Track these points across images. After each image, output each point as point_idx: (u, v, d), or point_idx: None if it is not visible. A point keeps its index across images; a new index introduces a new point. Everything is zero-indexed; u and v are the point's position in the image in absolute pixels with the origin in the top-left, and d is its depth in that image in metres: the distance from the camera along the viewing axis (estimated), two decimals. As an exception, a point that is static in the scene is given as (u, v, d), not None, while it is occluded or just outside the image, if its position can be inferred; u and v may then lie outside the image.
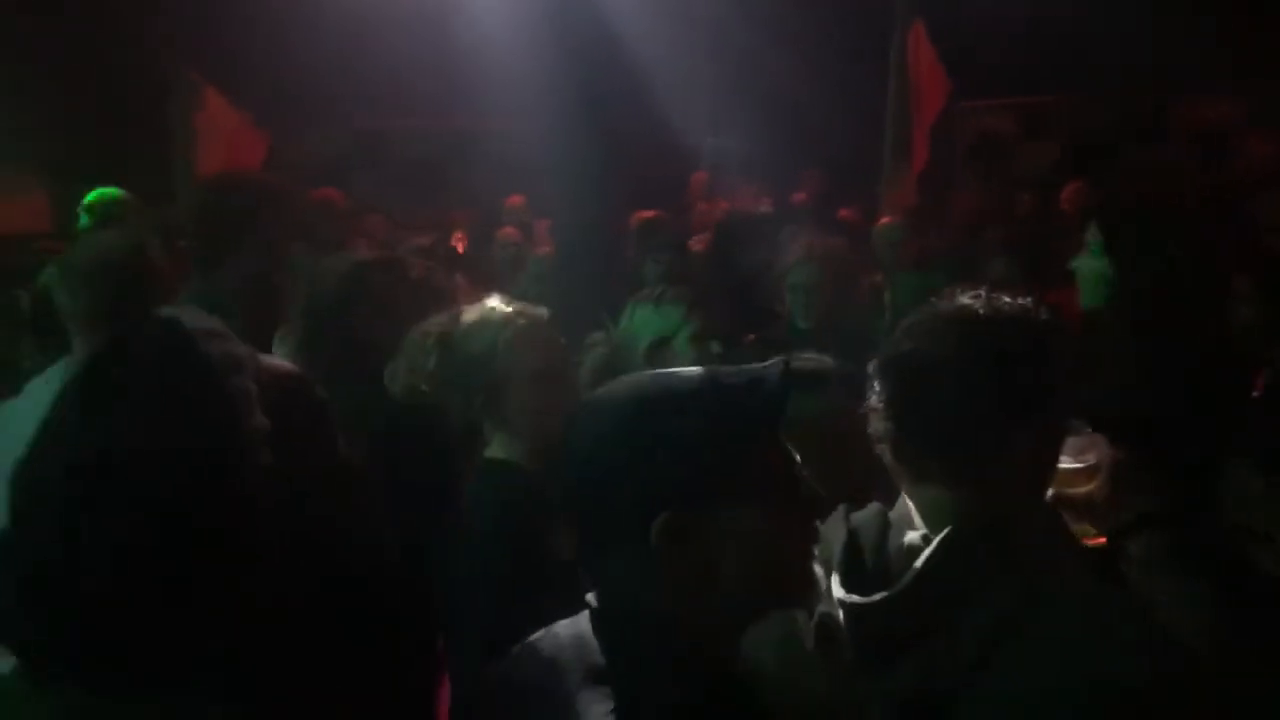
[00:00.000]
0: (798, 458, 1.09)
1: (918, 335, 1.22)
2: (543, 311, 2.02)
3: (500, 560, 1.72)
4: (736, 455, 1.01)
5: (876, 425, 1.23)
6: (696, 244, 4.75)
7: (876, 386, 1.23)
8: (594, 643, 1.03)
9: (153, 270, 2.25)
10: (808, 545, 1.08)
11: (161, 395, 0.89)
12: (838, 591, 1.16)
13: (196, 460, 0.87)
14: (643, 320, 2.51)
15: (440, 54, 6.66)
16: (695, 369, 1.10)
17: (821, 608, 1.17)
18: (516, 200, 6.64)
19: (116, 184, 3.94)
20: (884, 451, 1.23)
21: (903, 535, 1.18)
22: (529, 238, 5.89)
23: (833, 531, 1.21)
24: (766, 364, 1.06)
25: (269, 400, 0.92)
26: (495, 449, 1.92)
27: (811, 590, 1.11)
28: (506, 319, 1.93)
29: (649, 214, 4.94)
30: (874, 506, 1.24)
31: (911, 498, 1.22)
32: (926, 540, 1.14)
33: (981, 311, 1.20)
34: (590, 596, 1.07)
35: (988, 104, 8.63)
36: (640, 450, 1.01)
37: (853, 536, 1.21)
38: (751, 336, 3.28)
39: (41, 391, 2.18)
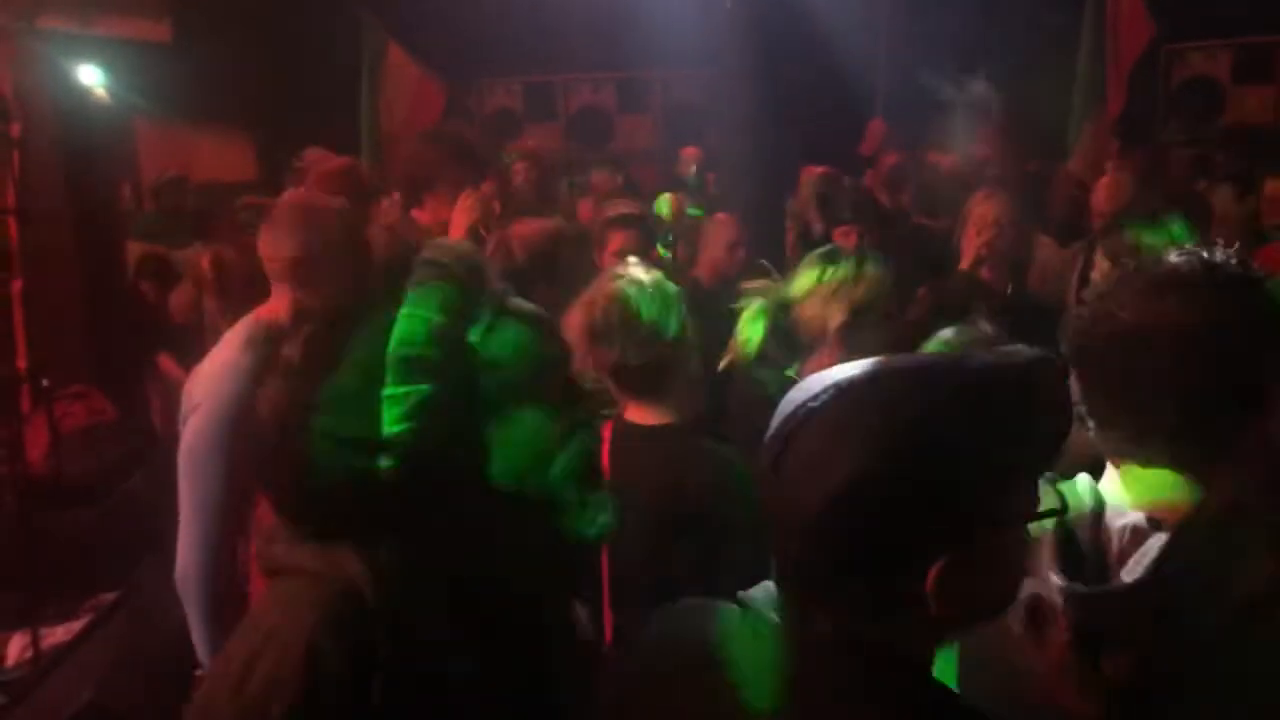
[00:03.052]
0: None
1: (1130, 301, 1.09)
2: None
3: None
4: (1022, 482, 0.91)
5: (1085, 402, 1.13)
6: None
7: (1080, 358, 1.13)
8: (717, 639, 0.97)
9: (349, 230, 2.37)
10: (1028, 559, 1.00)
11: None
12: (1056, 577, 1.07)
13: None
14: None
15: (608, 5, 6.72)
16: (985, 356, 0.94)
17: (1030, 586, 1.06)
18: (691, 151, 6.64)
19: (312, 135, 4.21)
20: (1093, 428, 1.14)
21: (1120, 515, 1.10)
22: (701, 190, 5.86)
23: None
24: (1036, 353, 0.92)
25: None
26: (639, 414, 1.99)
27: (1013, 602, 0.99)
28: (666, 283, 2.01)
29: (819, 170, 4.85)
30: (1084, 480, 1.15)
31: (1128, 477, 1.13)
32: (1154, 524, 1.07)
33: (1202, 273, 1.08)
34: (752, 597, 0.99)
35: (1197, 45, 7.92)
36: (923, 487, 0.85)
37: (1063, 514, 1.08)
38: (923, 290, 3.21)
39: (231, 346, 2.38)
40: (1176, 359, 1.06)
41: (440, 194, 2.77)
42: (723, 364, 2.36)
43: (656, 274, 2.05)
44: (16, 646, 3.54)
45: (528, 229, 2.47)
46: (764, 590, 1.01)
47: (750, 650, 0.95)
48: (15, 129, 4.72)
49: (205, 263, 3.45)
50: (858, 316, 2.28)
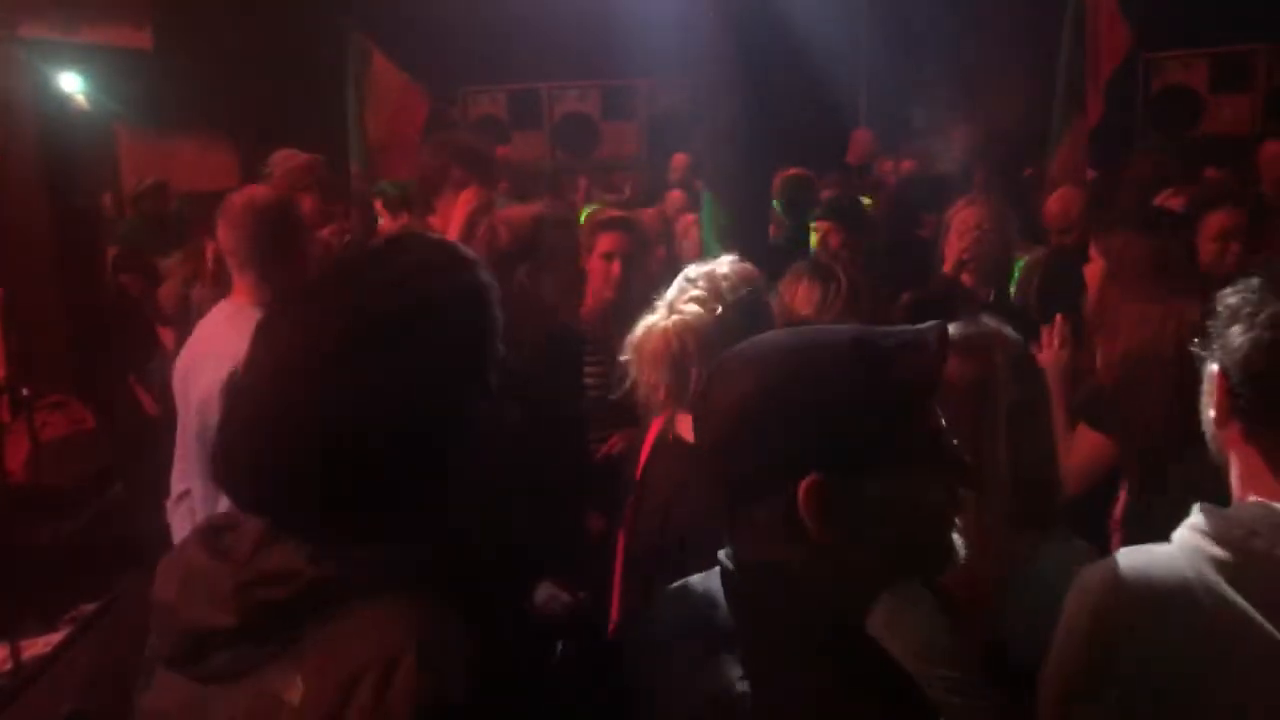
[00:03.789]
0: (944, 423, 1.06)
1: None
2: None
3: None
4: (889, 420, 0.99)
5: (1240, 406, 1.14)
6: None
7: (1243, 357, 1.13)
8: (723, 601, 1.04)
9: (295, 219, 2.67)
10: (950, 513, 1.04)
11: (430, 290, 1.01)
12: None
13: (440, 355, 0.99)
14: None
15: (593, 13, 6.73)
16: (849, 327, 1.07)
17: None
18: (681, 159, 6.67)
19: (296, 142, 4.21)
20: (1233, 437, 1.16)
21: None
22: (691, 197, 5.88)
23: (1254, 536, 1.11)
24: (923, 326, 1.03)
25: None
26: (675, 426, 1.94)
27: (947, 561, 1.05)
28: (744, 265, 1.98)
29: (793, 171, 4.88)
30: (1258, 506, 1.13)
31: None
32: None
33: None
34: (723, 554, 1.08)
35: (1174, 55, 8.01)
36: (791, 409, 0.99)
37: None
38: (906, 296, 3.23)
39: (214, 326, 2.56)
40: None
41: (447, 197, 2.81)
42: None
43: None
44: (-4, 658, 3.50)
45: (513, 214, 2.55)
46: None
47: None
48: (-5, 136, 4.69)
49: (209, 252, 3.61)
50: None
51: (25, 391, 4.23)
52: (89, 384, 4.93)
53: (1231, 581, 1.10)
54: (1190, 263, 2.25)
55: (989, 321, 1.61)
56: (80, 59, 5.29)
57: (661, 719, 1.05)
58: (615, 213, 3.53)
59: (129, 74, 5.84)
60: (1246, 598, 1.08)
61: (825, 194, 5.22)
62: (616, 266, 3.18)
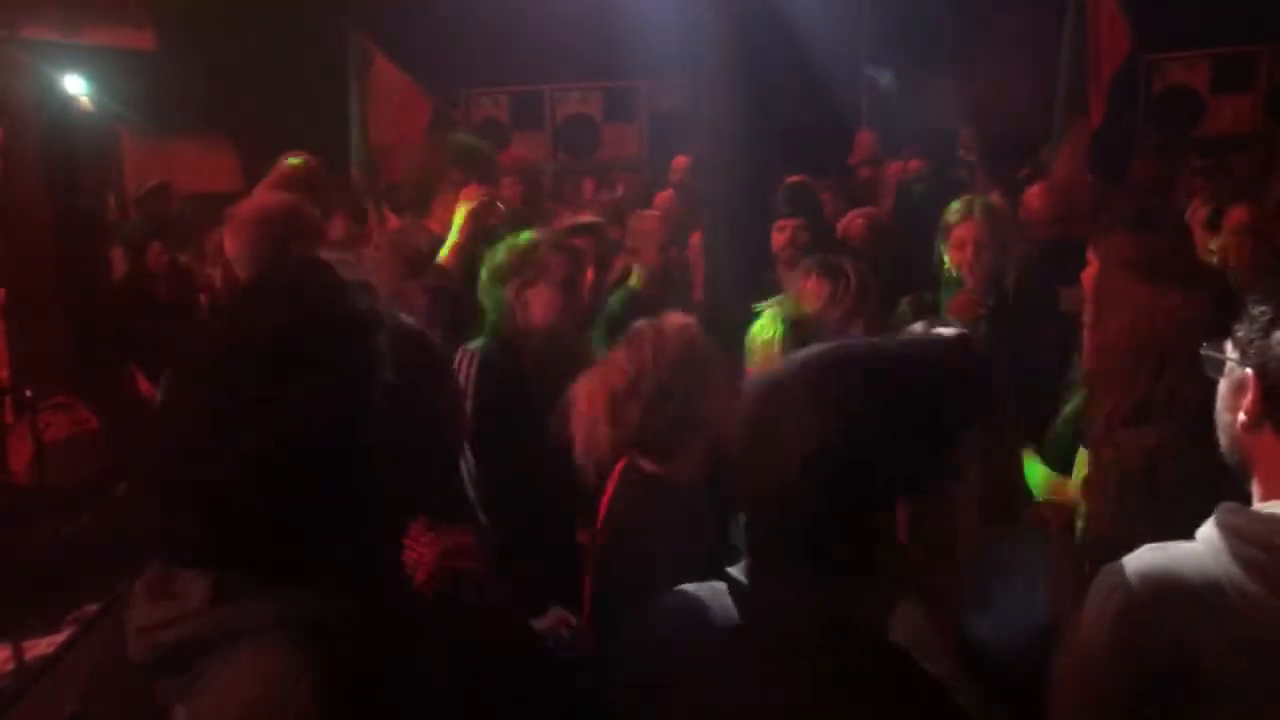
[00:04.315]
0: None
1: None
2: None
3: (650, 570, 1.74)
4: (965, 443, 1.01)
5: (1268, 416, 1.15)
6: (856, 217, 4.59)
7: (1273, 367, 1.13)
8: (726, 608, 1.06)
9: (303, 227, 2.54)
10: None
11: (311, 337, 1.00)
12: None
13: (328, 398, 0.98)
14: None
15: (595, 15, 6.75)
16: (912, 339, 1.10)
17: None
18: (682, 160, 6.66)
19: (298, 144, 4.22)
20: (1264, 442, 1.16)
21: None
22: (691, 198, 5.88)
23: (1220, 560, 1.13)
24: (953, 332, 1.04)
25: (396, 355, 1.03)
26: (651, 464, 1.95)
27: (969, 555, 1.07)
28: (682, 319, 1.99)
29: (796, 179, 4.88)
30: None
31: None
32: None
33: None
34: (736, 571, 1.08)
35: (1176, 56, 8.01)
36: (882, 438, 0.97)
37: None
38: (906, 299, 3.23)
39: None
40: None
41: (447, 199, 2.80)
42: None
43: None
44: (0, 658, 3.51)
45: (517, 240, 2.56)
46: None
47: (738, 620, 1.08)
48: (-2, 138, 4.71)
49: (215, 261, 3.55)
50: (872, 324, 2.36)
51: (28, 393, 4.25)
52: (91, 385, 4.94)
53: (1263, 580, 1.10)
54: (1183, 259, 2.26)
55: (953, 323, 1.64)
56: (83, 60, 5.30)
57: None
58: (582, 219, 3.50)
59: (131, 76, 5.86)
60: (1275, 594, 1.08)
61: (824, 195, 5.23)
62: (589, 274, 3.17)
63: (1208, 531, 1.16)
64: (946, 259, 3.23)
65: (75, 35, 5.63)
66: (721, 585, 1.16)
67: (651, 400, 1.85)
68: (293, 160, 3.89)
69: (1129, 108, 7.49)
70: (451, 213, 2.81)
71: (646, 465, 1.94)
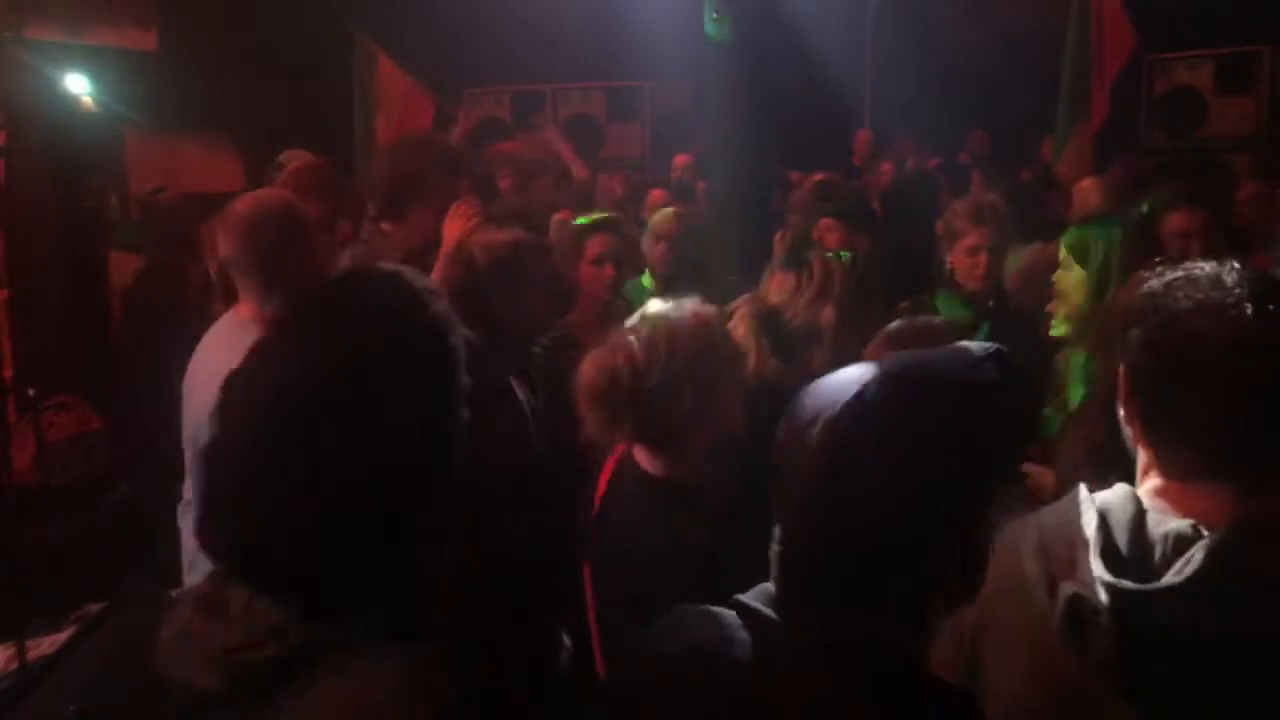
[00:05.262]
0: None
1: (1199, 310, 1.10)
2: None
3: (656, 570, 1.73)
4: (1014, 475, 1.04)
5: (1136, 406, 1.17)
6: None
7: (1136, 360, 1.15)
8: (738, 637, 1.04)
9: (297, 226, 2.51)
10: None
11: (392, 340, 0.97)
12: (1102, 574, 1.08)
13: (413, 407, 0.96)
14: None
15: (597, 15, 6.75)
16: (959, 351, 1.07)
17: (1070, 587, 1.09)
18: (682, 159, 6.66)
19: (302, 145, 4.22)
20: (1135, 433, 1.18)
21: (1162, 522, 1.11)
22: (691, 197, 5.87)
23: (1072, 510, 1.16)
24: (985, 359, 1.03)
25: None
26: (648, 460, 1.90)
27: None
28: (698, 308, 1.91)
29: (820, 176, 4.87)
30: (1122, 489, 1.17)
31: (1169, 488, 1.15)
32: (1197, 530, 1.08)
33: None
34: (752, 599, 1.06)
35: (1178, 56, 8.00)
36: (948, 481, 0.98)
37: (1103, 518, 1.13)
38: (905, 304, 3.22)
39: (216, 339, 2.50)
40: (1239, 376, 1.08)
41: (427, 206, 2.71)
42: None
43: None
44: (1, 658, 3.52)
45: (490, 237, 2.46)
46: (761, 593, 1.08)
47: (755, 652, 1.03)
48: (1, 138, 4.72)
49: (212, 265, 3.54)
50: (845, 313, 2.34)
51: (31, 392, 4.25)
52: (94, 385, 4.95)
53: (1046, 544, 1.15)
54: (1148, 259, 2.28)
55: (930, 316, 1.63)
56: (86, 61, 5.31)
57: None
58: (600, 215, 3.49)
59: (134, 76, 5.86)
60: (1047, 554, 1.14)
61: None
62: (609, 269, 3.16)
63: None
64: (948, 261, 3.23)
65: (78, 36, 5.64)
66: (728, 613, 1.10)
67: (652, 392, 1.79)
68: (300, 159, 3.88)
69: (1131, 109, 7.48)
70: (427, 219, 2.73)
71: (641, 458, 1.90)
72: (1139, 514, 1.12)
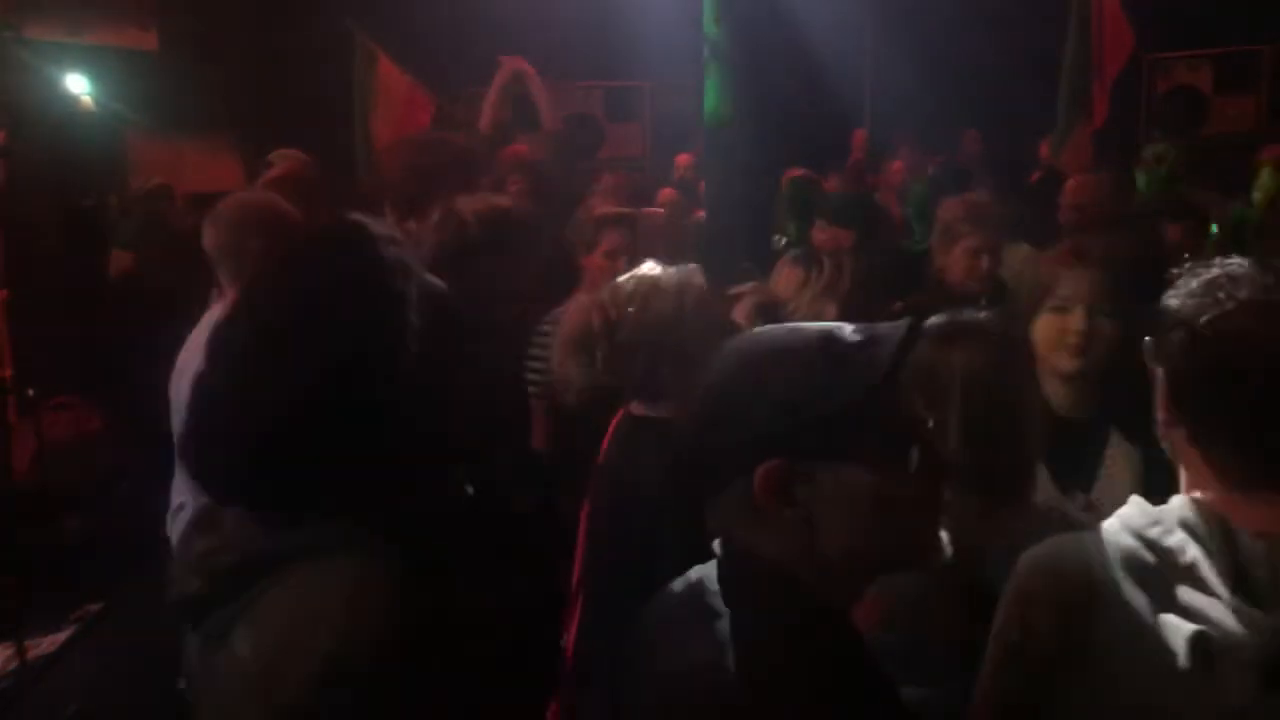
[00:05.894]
0: (930, 420, 1.06)
1: (1243, 309, 1.07)
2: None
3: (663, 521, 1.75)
4: (841, 412, 1.00)
5: (1179, 412, 1.13)
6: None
7: (1178, 365, 1.12)
8: (715, 588, 1.06)
9: (281, 223, 2.60)
10: (927, 510, 1.05)
11: (343, 281, 1.06)
12: (1229, 603, 1.05)
13: (358, 334, 1.04)
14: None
15: (597, 14, 6.75)
16: (823, 324, 1.09)
17: (1188, 626, 1.06)
18: (684, 158, 6.66)
19: (301, 145, 4.22)
20: (1178, 441, 1.15)
21: (1245, 538, 1.07)
22: (692, 197, 5.88)
23: (1144, 523, 1.13)
24: (894, 323, 1.04)
25: (421, 308, 1.08)
26: (640, 407, 1.95)
27: (932, 556, 1.06)
28: (688, 277, 1.96)
29: (797, 172, 4.88)
30: (1185, 502, 1.13)
31: (1229, 499, 1.11)
32: None
33: None
34: (716, 543, 1.10)
35: (1179, 56, 8.00)
36: (760, 397, 1.02)
37: (1194, 535, 1.09)
38: (899, 304, 3.22)
39: (200, 334, 2.55)
40: None
41: (438, 204, 2.72)
42: None
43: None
44: (2, 657, 3.52)
45: (479, 203, 2.46)
46: None
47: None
48: (1, 138, 4.72)
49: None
50: (847, 312, 2.37)
51: (31, 392, 4.25)
52: (94, 385, 4.95)
53: (1128, 569, 1.12)
54: (1147, 261, 2.26)
55: (972, 312, 1.62)
56: (86, 61, 5.31)
57: (649, 692, 1.06)
58: (619, 211, 3.50)
59: (134, 76, 5.86)
60: (1133, 579, 1.11)
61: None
62: (620, 265, 3.16)
63: (1110, 521, 1.19)
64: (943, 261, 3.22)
65: (79, 36, 5.64)
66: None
67: (621, 345, 1.88)
68: (289, 159, 3.89)
69: (1132, 108, 7.48)
70: None
71: (636, 409, 1.96)
72: (1227, 532, 1.08)
